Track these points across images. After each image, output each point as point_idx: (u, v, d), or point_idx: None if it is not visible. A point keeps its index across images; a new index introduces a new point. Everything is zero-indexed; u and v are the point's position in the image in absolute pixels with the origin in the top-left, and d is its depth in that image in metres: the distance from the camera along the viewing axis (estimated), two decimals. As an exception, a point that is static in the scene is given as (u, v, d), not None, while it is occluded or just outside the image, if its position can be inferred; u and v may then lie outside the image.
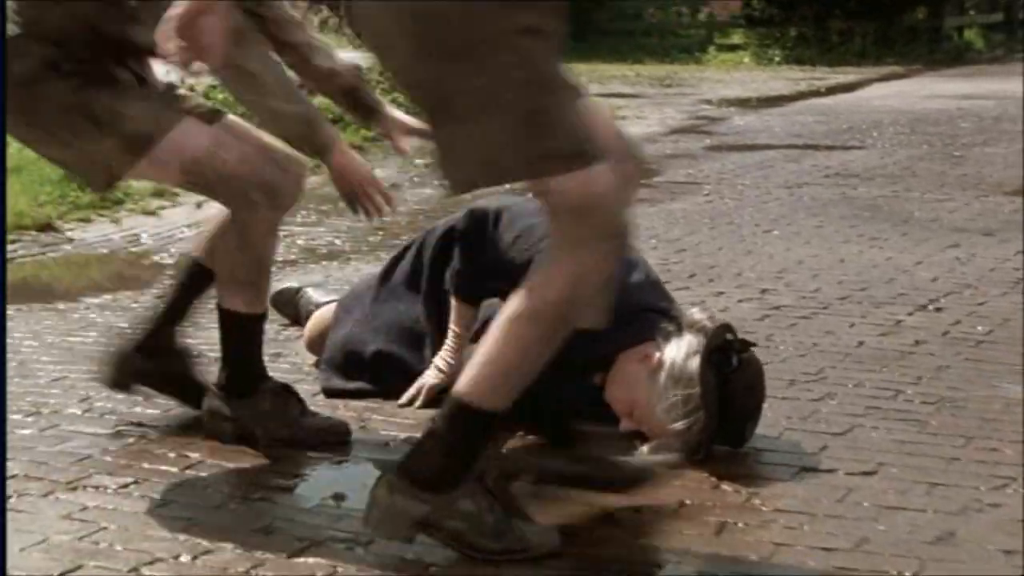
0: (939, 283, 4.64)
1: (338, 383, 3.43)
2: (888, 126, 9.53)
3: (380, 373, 3.41)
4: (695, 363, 2.89)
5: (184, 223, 6.01)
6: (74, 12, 2.78)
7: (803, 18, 17.74)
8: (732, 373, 2.88)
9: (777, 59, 16.71)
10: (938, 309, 4.27)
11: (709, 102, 11.55)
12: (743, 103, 11.53)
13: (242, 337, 3.05)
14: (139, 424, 3.19)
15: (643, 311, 3.09)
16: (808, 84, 13.33)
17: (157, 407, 3.27)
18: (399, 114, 3.17)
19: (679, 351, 2.93)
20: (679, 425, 2.89)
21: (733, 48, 18.06)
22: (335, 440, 3.07)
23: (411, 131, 3.12)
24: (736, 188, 6.87)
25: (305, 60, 2.99)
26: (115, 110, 2.79)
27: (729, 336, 2.92)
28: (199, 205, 6.09)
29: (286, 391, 3.10)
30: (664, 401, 2.91)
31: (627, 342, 3.04)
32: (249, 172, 2.88)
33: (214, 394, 3.09)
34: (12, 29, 2.75)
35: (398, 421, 3.22)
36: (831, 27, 17.56)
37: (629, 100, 11.68)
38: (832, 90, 12.81)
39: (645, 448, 2.94)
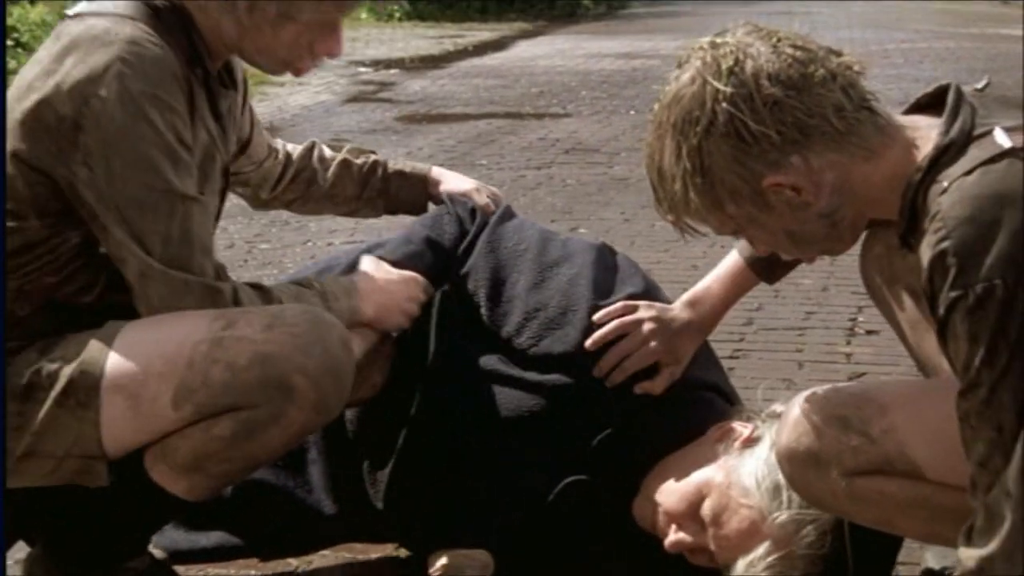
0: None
1: (183, 539, 2.17)
2: (579, 89, 8.75)
3: (248, 516, 2.18)
4: None
5: None
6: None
7: (418, -27, 16.88)
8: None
9: (397, 15, 15.79)
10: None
11: (362, 63, 10.42)
12: (399, 64, 10.49)
13: (148, 514, 1.83)
14: None
15: (695, 388, 2.09)
16: (453, 43, 12.42)
17: None
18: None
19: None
20: (803, 532, 1.87)
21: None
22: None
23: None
24: (478, 169, 5.84)
25: (309, 185, 2.31)
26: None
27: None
28: None
29: (161, 573, 1.88)
30: (772, 494, 1.88)
31: (677, 435, 2.03)
32: (289, 349, 1.72)
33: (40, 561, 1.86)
34: None
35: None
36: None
37: (273, 62, 10.34)
38: (480, 49, 11.97)
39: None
